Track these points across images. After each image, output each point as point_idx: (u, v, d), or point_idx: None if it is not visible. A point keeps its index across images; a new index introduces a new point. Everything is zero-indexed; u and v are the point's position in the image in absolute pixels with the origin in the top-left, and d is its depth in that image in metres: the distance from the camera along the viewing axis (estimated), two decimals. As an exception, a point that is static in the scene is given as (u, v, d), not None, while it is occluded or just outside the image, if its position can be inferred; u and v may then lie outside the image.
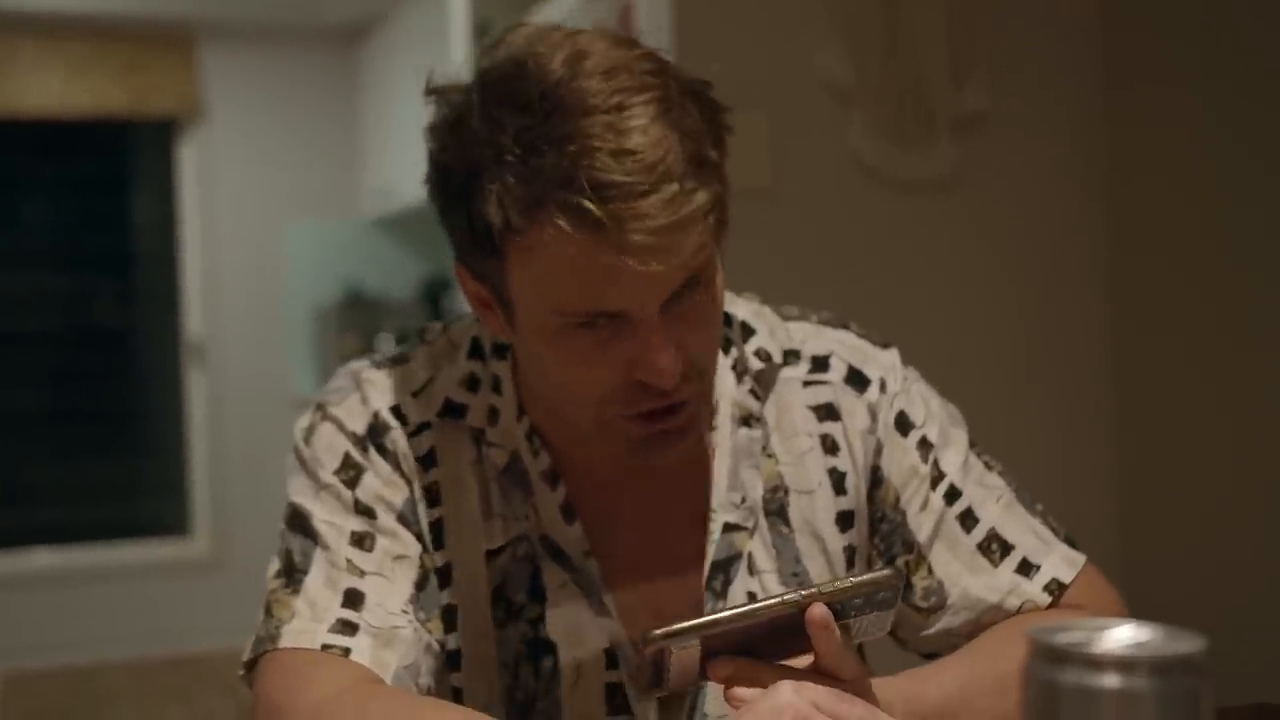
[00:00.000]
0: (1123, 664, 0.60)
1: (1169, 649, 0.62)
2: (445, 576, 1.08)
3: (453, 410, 1.11)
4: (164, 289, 5.69)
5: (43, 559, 5.44)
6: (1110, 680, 0.60)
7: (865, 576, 0.89)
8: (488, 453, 1.10)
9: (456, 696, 1.09)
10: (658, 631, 0.86)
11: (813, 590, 0.88)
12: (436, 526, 1.08)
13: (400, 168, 5.05)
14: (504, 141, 0.93)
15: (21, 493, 5.55)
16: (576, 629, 1.08)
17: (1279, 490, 2.30)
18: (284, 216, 5.69)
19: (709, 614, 0.89)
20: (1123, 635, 0.63)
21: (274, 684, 1.01)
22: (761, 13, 2.39)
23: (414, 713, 0.96)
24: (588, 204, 0.90)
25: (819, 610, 0.87)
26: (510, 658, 1.08)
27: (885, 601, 0.90)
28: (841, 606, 0.89)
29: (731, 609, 0.89)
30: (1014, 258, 2.57)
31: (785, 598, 0.87)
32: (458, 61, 1.03)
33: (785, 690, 0.84)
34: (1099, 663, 0.61)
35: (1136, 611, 0.84)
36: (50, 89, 5.32)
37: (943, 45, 2.48)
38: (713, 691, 1.07)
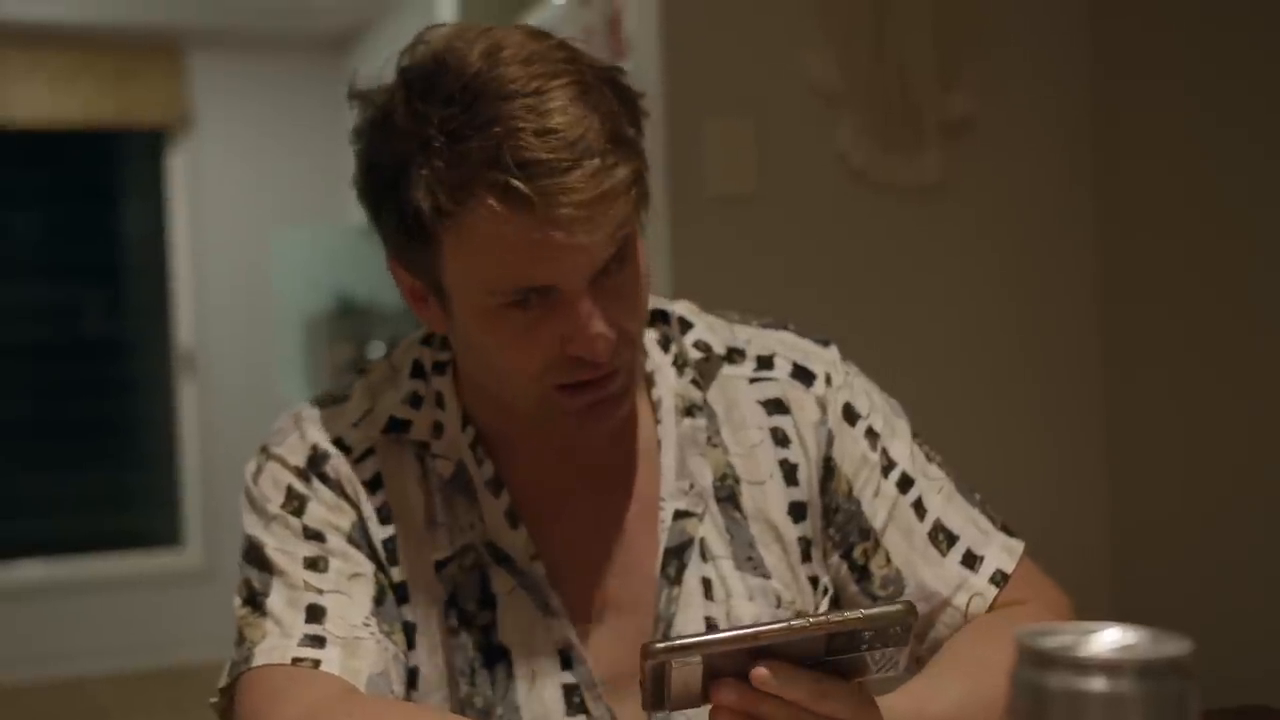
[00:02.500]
0: (1109, 667, 0.61)
1: (1155, 652, 0.62)
2: (402, 593, 1.10)
3: (396, 426, 1.13)
4: (154, 299, 5.68)
5: (33, 570, 5.42)
6: (1097, 683, 0.60)
7: (876, 610, 0.87)
8: (433, 465, 1.12)
9: None
10: (659, 645, 0.85)
11: (821, 618, 0.86)
12: (389, 544, 1.10)
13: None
14: (429, 132, 0.97)
15: (11, 504, 5.53)
16: (528, 632, 1.09)
17: (1270, 492, 2.30)
18: (274, 225, 5.68)
19: (706, 632, 0.88)
20: (1109, 638, 0.63)
21: (253, 703, 1.02)
22: (749, 17, 2.39)
23: (397, 717, 0.96)
24: (515, 182, 0.93)
25: (760, 673, 0.85)
26: (467, 666, 1.09)
27: (897, 637, 0.87)
28: (850, 638, 0.87)
29: (734, 629, 0.88)
30: (1003, 261, 2.58)
31: (792, 623, 0.86)
32: (377, 67, 1.07)
33: None
34: (1086, 666, 0.61)
35: (1126, 614, 0.84)
36: (38, 99, 5.31)
37: (930, 49, 2.48)
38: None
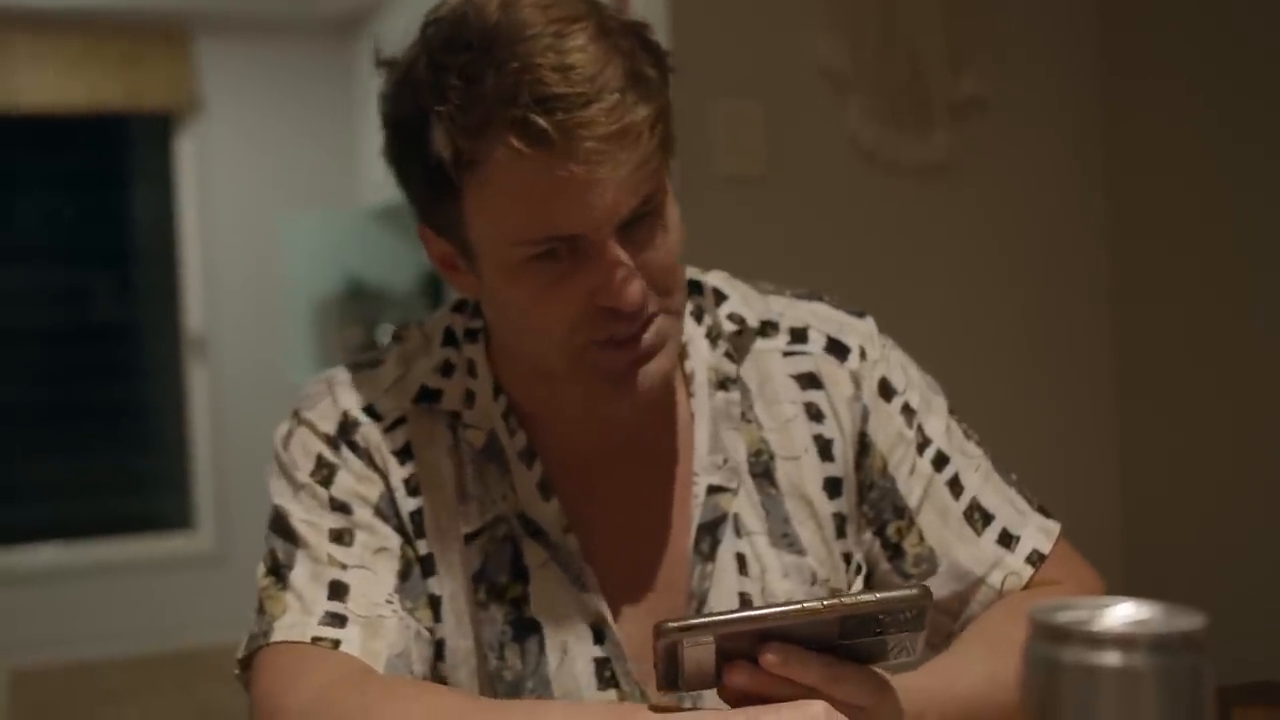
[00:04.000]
0: (1123, 641, 0.61)
1: (1169, 626, 0.62)
2: (429, 566, 1.09)
3: (427, 395, 1.12)
4: (163, 283, 5.68)
5: (46, 555, 5.44)
6: (1111, 658, 0.61)
7: (891, 593, 0.86)
8: (464, 434, 1.11)
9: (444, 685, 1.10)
10: (671, 624, 0.84)
11: (834, 601, 0.85)
12: (417, 516, 1.09)
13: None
14: (448, 79, 0.95)
15: (24, 489, 5.55)
16: (560, 606, 1.08)
17: None
18: (282, 209, 5.68)
19: (718, 612, 0.87)
20: (1123, 613, 0.64)
21: (269, 679, 1.02)
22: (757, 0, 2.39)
23: (411, 697, 0.96)
24: (534, 117, 0.92)
25: (769, 656, 0.84)
26: (496, 639, 1.08)
27: (912, 622, 0.86)
28: (863, 622, 0.85)
29: (747, 610, 0.87)
30: (1012, 242, 2.57)
31: (805, 605, 0.85)
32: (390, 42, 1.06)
33: (818, 706, 0.83)
34: (1100, 640, 0.61)
35: (1140, 592, 0.85)
36: (46, 84, 5.31)
37: (939, 30, 2.47)
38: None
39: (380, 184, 5.33)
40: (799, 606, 0.85)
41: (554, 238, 0.97)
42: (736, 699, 0.87)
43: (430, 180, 0.99)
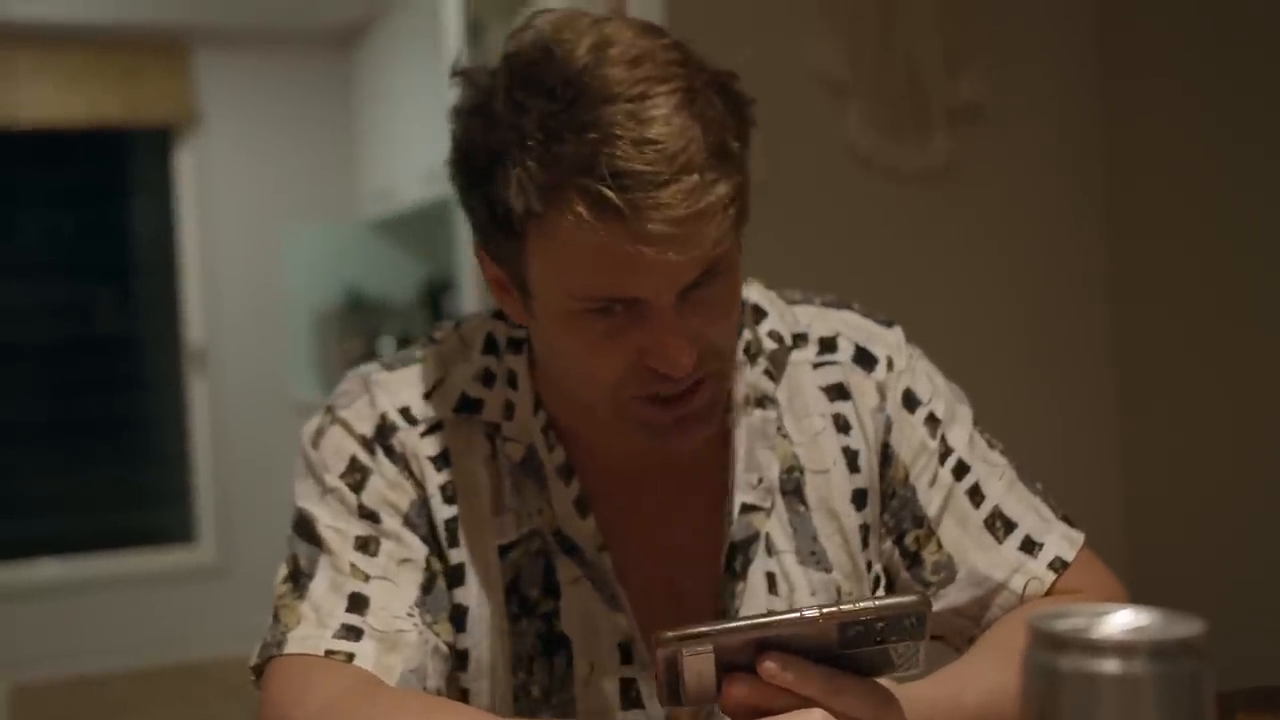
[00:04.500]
0: (1122, 649, 0.60)
1: (1168, 633, 0.62)
2: (458, 576, 1.08)
3: (468, 405, 1.11)
4: (164, 296, 5.68)
5: (48, 569, 5.44)
6: (1110, 665, 0.60)
7: (890, 600, 0.86)
8: (503, 447, 1.10)
9: (464, 698, 1.09)
10: (670, 633, 0.84)
11: (832, 609, 0.85)
12: (451, 525, 1.08)
13: (398, 169, 5.05)
14: (527, 126, 0.93)
15: (26, 503, 5.55)
16: (591, 623, 1.08)
17: (1282, 473, 2.30)
18: (282, 221, 5.69)
19: (722, 617, 0.86)
20: (1122, 620, 0.63)
21: (278, 690, 1.01)
22: (755, 5, 2.39)
23: (419, 712, 0.96)
24: (607, 192, 0.90)
25: (768, 665, 0.84)
26: (524, 653, 1.08)
27: (913, 630, 0.85)
28: (864, 630, 0.85)
29: (746, 619, 0.86)
30: (1011, 247, 2.57)
31: (805, 613, 0.84)
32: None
33: (815, 715, 0.83)
34: (1098, 648, 0.61)
35: (1141, 596, 0.84)
36: (46, 99, 5.32)
37: (936, 35, 2.48)
38: None
39: (380, 196, 5.34)
40: (797, 614, 0.85)
41: (614, 299, 0.96)
42: (737, 712, 0.86)
43: (495, 217, 0.97)
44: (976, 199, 2.53)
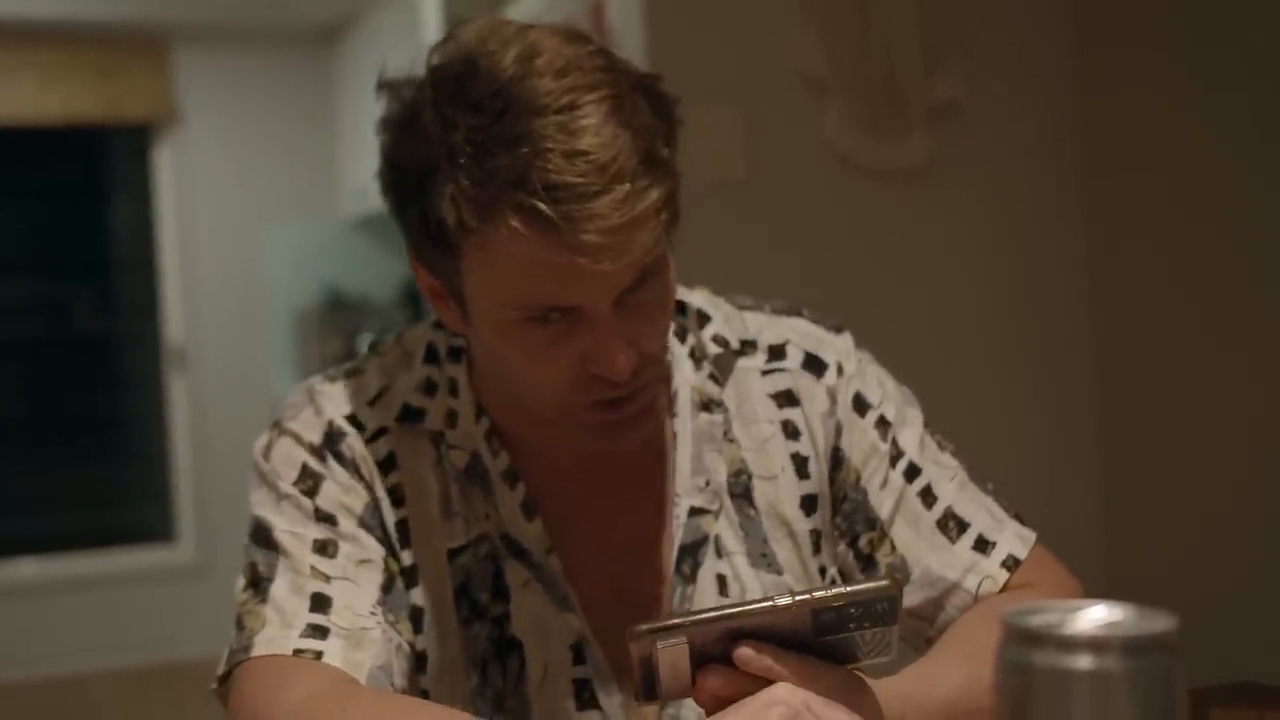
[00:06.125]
0: (1095, 644, 0.61)
1: (1141, 629, 0.62)
2: (412, 577, 1.09)
3: (410, 415, 1.12)
4: (143, 295, 5.66)
5: (27, 568, 5.41)
6: (1083, 661, 0.61)
7: (860, 586, 0.86)
8: (448, 454, 1.11)
9: (424, 698, 1.09)
10: (643, 627, 0.84)
11: (804, 596, 0.85)
12: (402, 527, 1.09)
13: (377, 168, 5.04)
14: (456, 141, 0.93)
15: (4, 502, 5.52)
16: (542, 626, 1.08)
17: (1260, 472, 2.31)
18: (262, 219, 5.67)
19: (688, 610, 0.87)
20: (1095, 616, 0.64)
21: (250, 692, 1.01)
22: (734, 4, 2.39)
23: (394, 711, 0.96)
24: (541, 205, 0.91)
25: (743, 652, 0.85)
26: (478, 657, 1.08)
27: (883, 615, 0.86)
28: (836, 617, 0.85)
29: (717, 608, 0.87)
30: (991, 246, 2.58)
31: (777, 601, 0.85)
32: (414, 58, 1.02)
33: (781, 688, 0.84)
34: (1071, 644, 0.61)
35: (1121, 593, 0.85)
36: (24, 96, 5.29)
37: (915, 33, 2.48)
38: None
39: (360, 194, 5.33)
40: (769, 603, 0.85)
41: (551, 308, 0.97)
42: (712, 705, 0.86)
43: (429, 230, 0.98)
44: (955, 197, 2.54)
